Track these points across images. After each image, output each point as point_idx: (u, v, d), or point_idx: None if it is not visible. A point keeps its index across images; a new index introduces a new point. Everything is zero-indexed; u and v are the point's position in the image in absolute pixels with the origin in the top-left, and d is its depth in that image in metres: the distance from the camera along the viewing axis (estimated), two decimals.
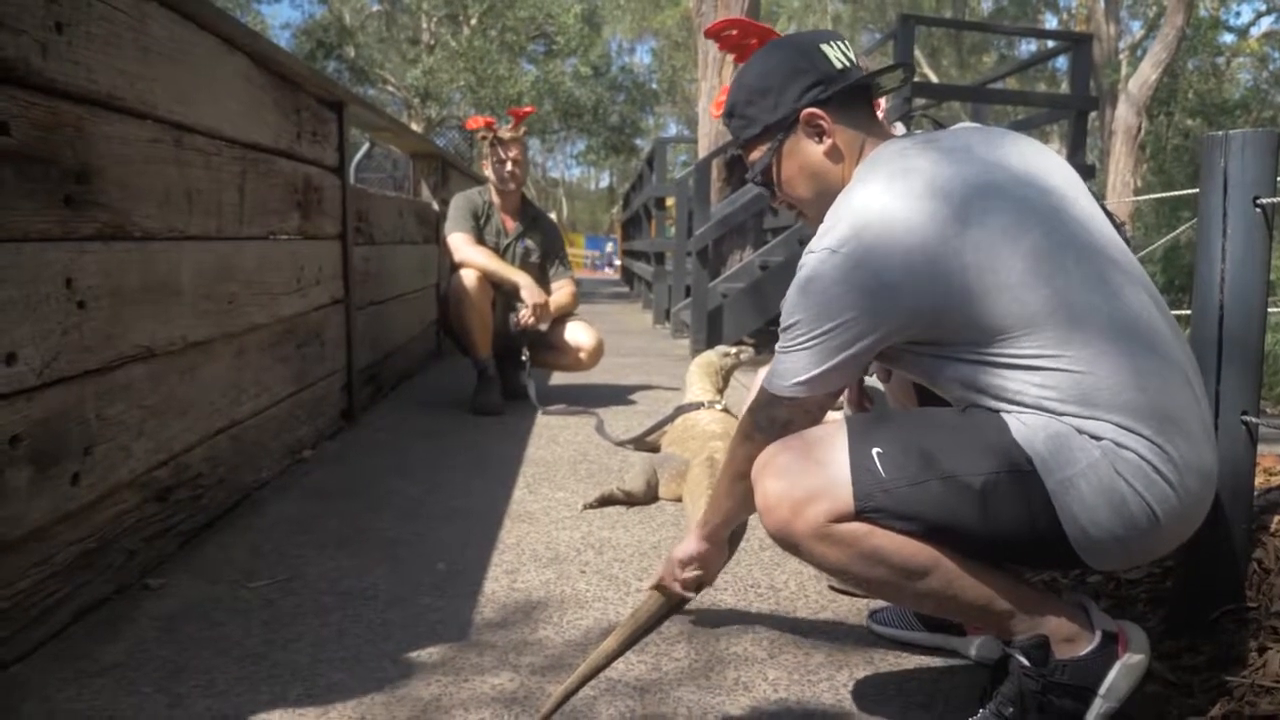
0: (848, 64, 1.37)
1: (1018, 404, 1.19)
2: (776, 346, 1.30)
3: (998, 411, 1.21)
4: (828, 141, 1.36)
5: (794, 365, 1.26)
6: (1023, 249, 1.17)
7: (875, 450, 1.22)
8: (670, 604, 1.54)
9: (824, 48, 1.37)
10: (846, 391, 1.69)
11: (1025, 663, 1.22)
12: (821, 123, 1.35)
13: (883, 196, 1.21)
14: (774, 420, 1.31)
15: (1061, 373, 1.16)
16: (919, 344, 1.24)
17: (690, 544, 1.52)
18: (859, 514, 1.21)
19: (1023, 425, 1.18)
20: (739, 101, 1.42)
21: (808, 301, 1.23)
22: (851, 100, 1.37)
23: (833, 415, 1.51)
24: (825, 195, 1.35)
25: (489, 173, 3.96)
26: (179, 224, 2.04)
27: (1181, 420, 1.17)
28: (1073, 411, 1.16)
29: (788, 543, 1.26)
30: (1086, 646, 1.21)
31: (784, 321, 1.28)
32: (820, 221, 1.30)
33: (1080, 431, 1.16)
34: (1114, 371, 1.15)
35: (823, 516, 1.22)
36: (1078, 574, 1.82)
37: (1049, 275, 1.17)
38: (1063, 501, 1.15)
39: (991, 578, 1.22)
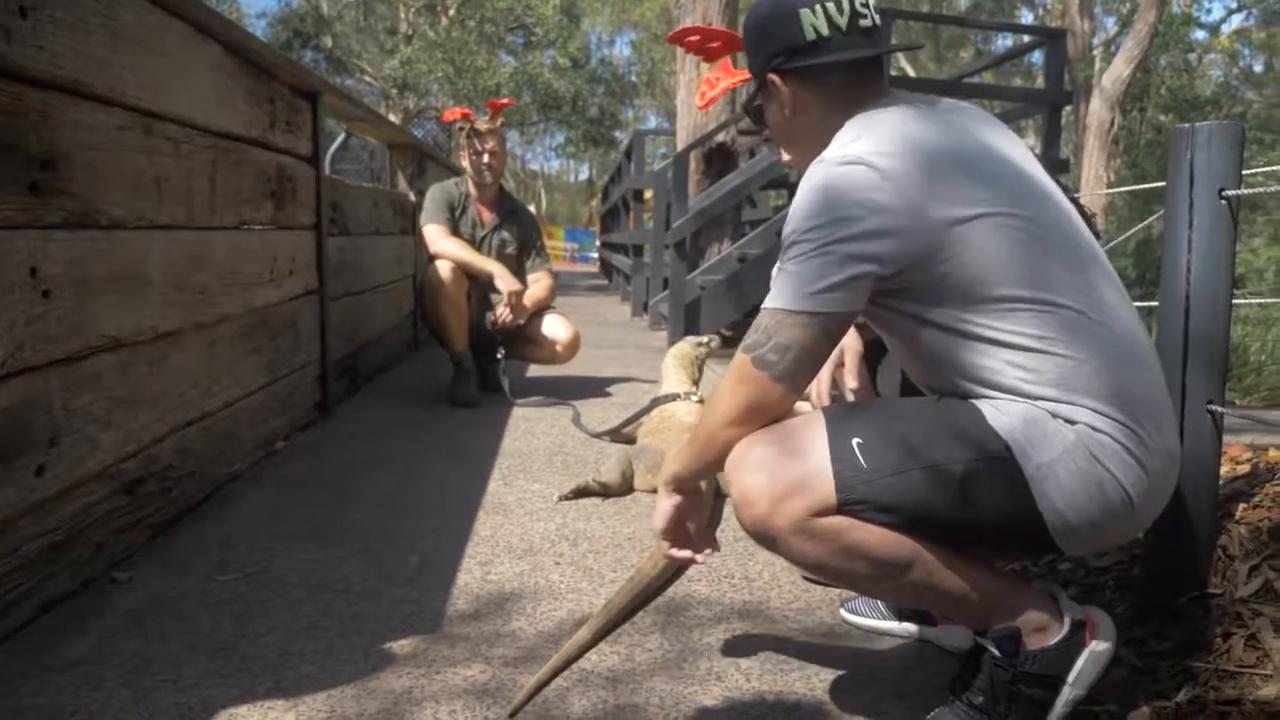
0: (829, 33, 1.32)
1: (994, 386, 1.20)
2: (779, 263, 1.24)
3: (973, 399, 1.22)
4: (788, 109, 1.37)
5: (805, 275, 1.19)
6: (1014, 226, 1.19)
7: (855, 440, 1.21)
8: (669, 571, 1.55)
9: (803, 13, 1.32)
10: (815, 386, 1.69)
11: (996, 653, 1.23)
12: (780, 90, 1.36)
13: (901, 126, 1.24)
14: (783, 347, 1.21)
15: (1040, 354, 1.17)
16: (906, 296, 1.22)
17: (662, 507, 1.42)
18: (841, 506, 1.20)
19: (998, 413, 1.19)
20: (743, 39, 1.45)
21: (819, 205, 1.19)
22: (825, 73, 1.34)
23: (803, 406, 1.51)
24: (799, 146, 1.40)
25: (466, 164, 3.94)
26: (148, 212, 2.02)
27: (1150, 404, 1.20)
28: (1049, 395, 1.17)
29: (765, 538, 1.24)
30: (1056, 636, 1.22)
31: (791, 232, 1.22)
32: (799, 164, 1.33)
33: (1055, 415, 1.17)
34: (1089, 357, 1.17)
35: (803, 510, 1.20)
36: (1048, 561, 1.83)
37: (1036, 257, 1.19)
38: (1041, 487, 1.16)
39: (968, 569, 1.23)
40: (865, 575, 1.23)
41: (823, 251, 1.18)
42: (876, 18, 1.34)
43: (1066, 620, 1.23)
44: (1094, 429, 1.16)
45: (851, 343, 1.73)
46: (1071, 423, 1.16)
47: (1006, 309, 1.18)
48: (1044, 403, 1.17)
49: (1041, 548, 1.24)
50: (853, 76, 1.34)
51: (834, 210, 1.18)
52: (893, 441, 1.21)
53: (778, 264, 1.25)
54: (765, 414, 1.26)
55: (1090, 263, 1.23)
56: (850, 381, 1.81)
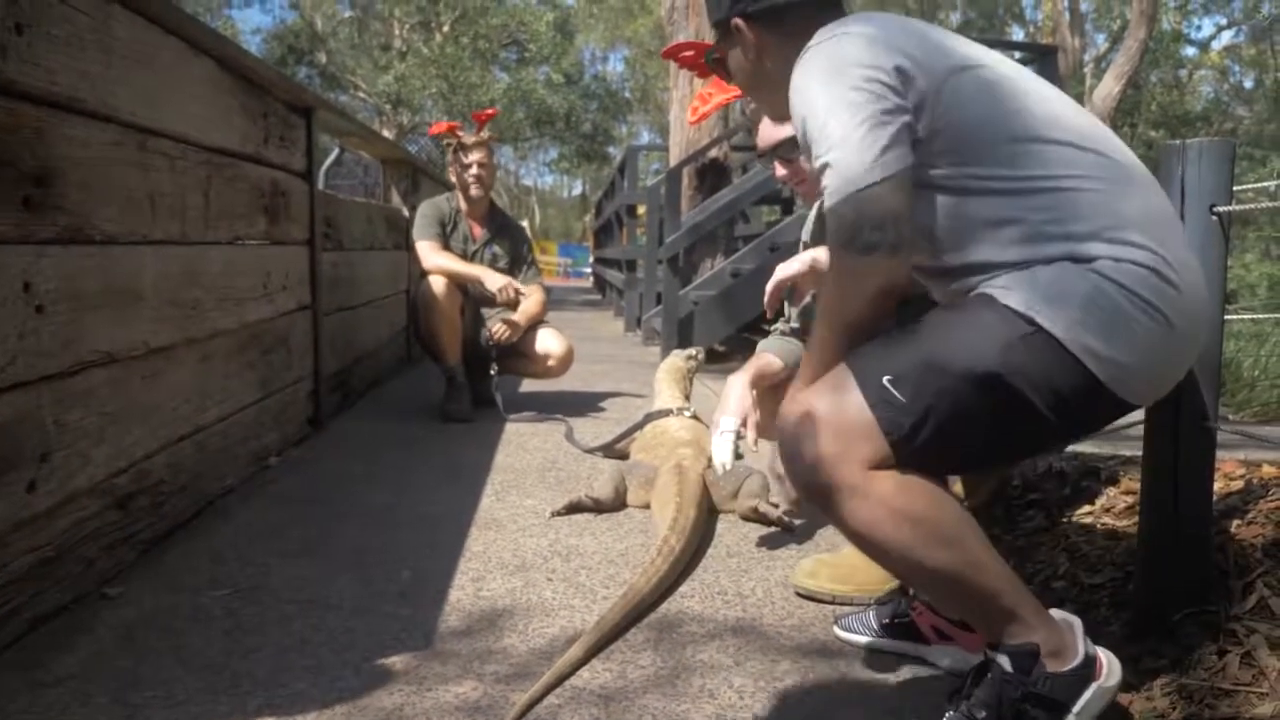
0: None
1: (1007, 244, 1.19)
2: (816, 159, 1.20)
3: (980, 288, 1.21)
4: (753, 53, 1.40)
5: (857, 149, 1.15)
6: (1000, 78, 1.25)
7: (885, 379, 1.18)
8: (661, 587, 1.63)
9: None
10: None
11: (1009, 669, 1.21)
12: (745, 35, 1.39)
13: (873, 16, 1.30)
14: (879, 222, 1.15)
15: (1048, 194, 1.18)
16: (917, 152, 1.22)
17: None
18: (895, 449, 1.16)
19: (1008, 290, 1.17)
20: None
21: (831, 81, 1.19)
22: (790, 13, 1.36)
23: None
24: (766, 91, 1.44)
25: (454, 179, 3.95)
26: (141, 228, 2.01)
27: (1164, 220, 1.21)
28: (1059, 234, 1.17)
29: (821, 496, 1.20)
30: (1070, 663, 1.21)
31: (814, 119, 1.19)
32: (768, 111, 1.44)
33: (1066, 261, 1.16)
34: (1097, 183, 1.18)
35: (859, 462, 1.17)
36: (1043, 579, 1.83)
37: (1026, 105, 1.23)
38: (1080, 343, 1.14)
39: (1004, 573, 1.21)
40: (908, 548, 1.18)
41: (857, 121, 1.16)
42: None
43: (1081, 650, 1.22)
44: (1115, 260, 1.15)
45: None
46: (1089, 260, 1.15)
47: (1000, 151, 1.20)
48: (1055, 244, 1.17)
49: (1111, 410, 1.21)
50: (815, 15, 1.35)
51: (840, 78, 1.19)
52: (919, 365, 1.17)
53: (815, 159, 1.21)
54: (892, 293, 1.21)
55: (1065, 105, 1.28)
56: (750, 435, 1.89)
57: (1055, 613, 1.27)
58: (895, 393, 1.17)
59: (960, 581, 1.20)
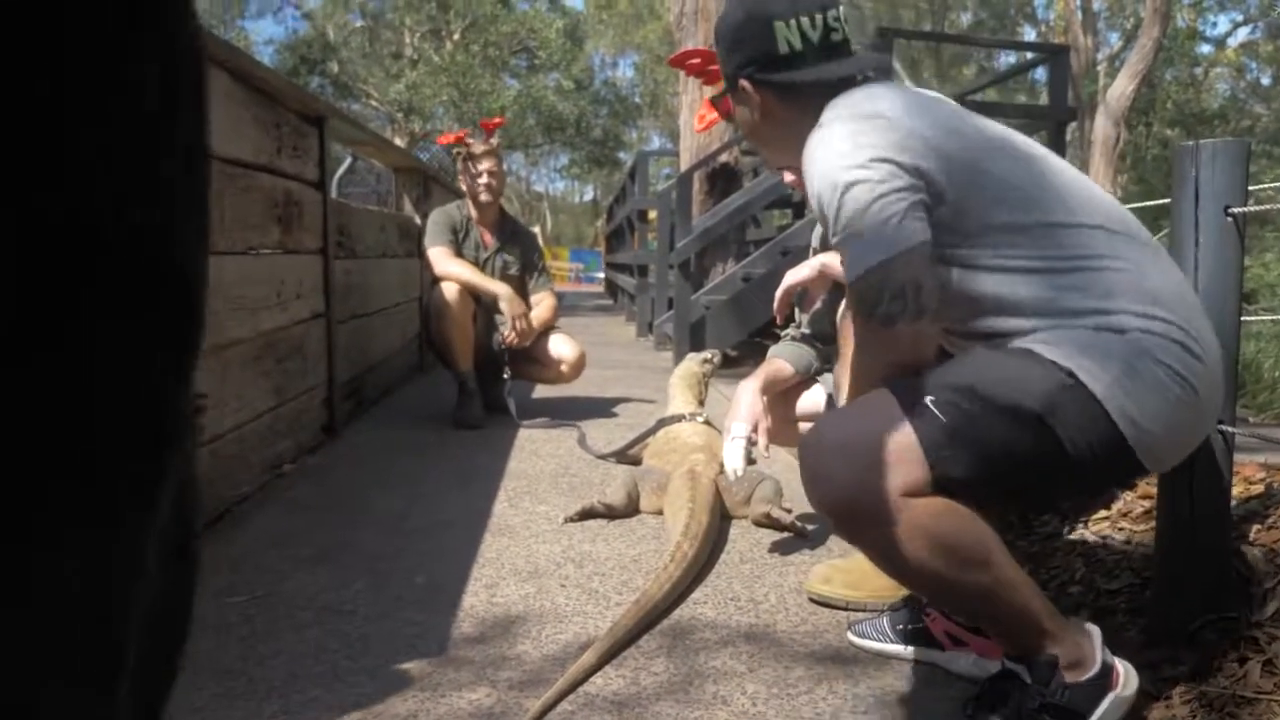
0: (802, 47, 1.34)
1: (1037, 316, 1.20)
2: (835, 239, 1.23)
3: (1017, 342, 1.22)
4: (759, 113, 1.41)
5: (873, 225, 1.17)
6: (1020, 159, 1.25)
7: (928, 399, 1.19)
8: (674, 593, 1.63)
9: (777, 25, 1.34)
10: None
11: (1028, 679, 1.21)
12: (750, 96, 1.40)
13: (885, 91, 1.30)
14: (899, 292, 1.18)
15: (1079, 272, 1.19)
16: (938, 234, 1.22)
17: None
18: (933, 470, 1.16)
19: (1049, 346, 1.19)
20: (714, 36, 1.47)
21: (846, 162, 1.20)
22: (797, 88, 1.36)
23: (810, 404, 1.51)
24: (768, 146, 1.47)
25: (465, 187, 3.97)
26: None
27: (1184, 296, 1.23)
28: (1092, 307, 1.18)
29: (851, 520, 1.20)
30: (1088, 673, 1.21)
31: (830, 199, 1.21)
32: (767, 159, 1.50)
33: (1101, 329, 1.17)
34: (1122, 265, 1.20)
35: (896, 488, 1.16)
36: (1058, 584, 1.82)
37: (1047, 185, 1.24)
38: (1115, 403, 1.15)
39: (1029, 589, 1.22)
40: (937, 571, 1.19)
41: (874, 196, 1.18)
42: (847, 30, 1.38)
43: (1099, 659, 1.22)
44: (1146, 331, 1.17)
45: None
46: (1122, 331, 1.17)
47: (1029, 235, 1.20)
48: (1087, 318, 1.18)
49: (1131, 472, 1.25)
50: (824, 90, 1.35)
51: (858, 157, 1.19)
52: (965, 390, 1.18)
53: (834, 234, 1.23)
54: (918, 360, 1.24)
55: (1091, 190, 1.29)
56: (762, 441, 1.88)
57: (1074, 621, 1.26)
58: (938, 413, 1.18)
59: (988, 601, 1.21)
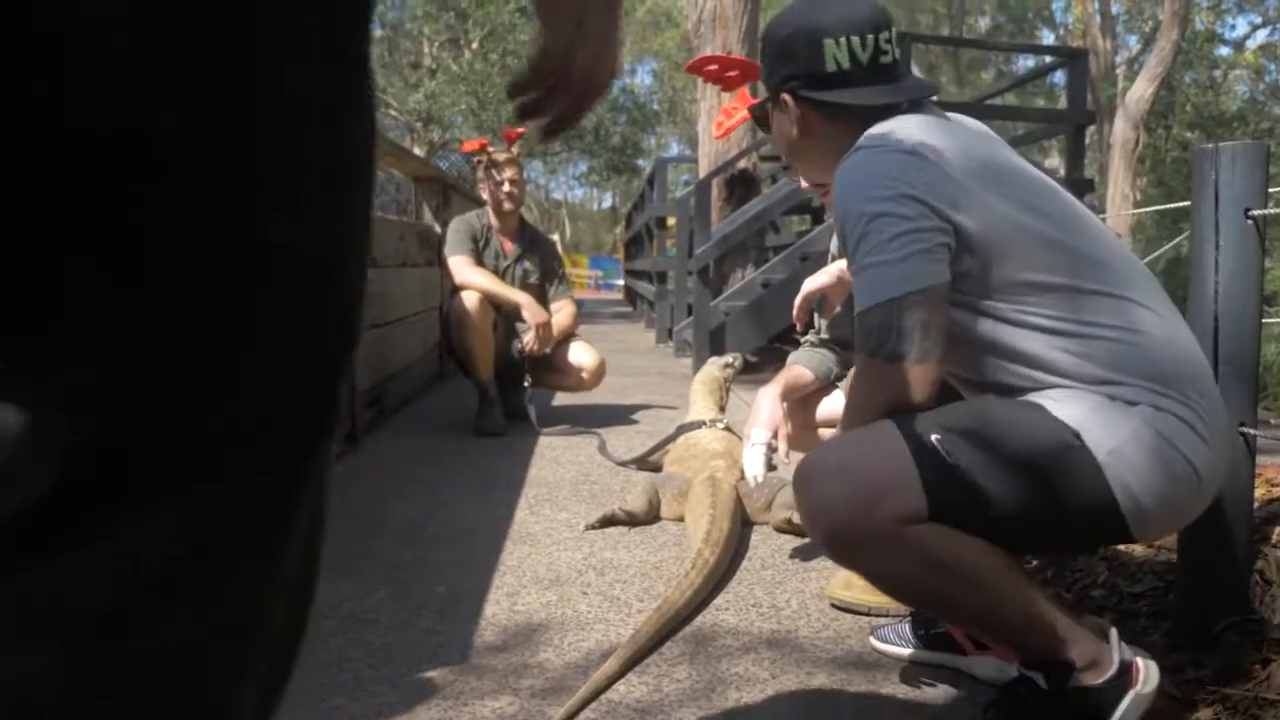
0: (850, 66, 1.32)
1: (1049, 371, 1.20)
2: (854, 264, 1.23)
3: (1029, 395, 1.22)
4: (798, 128, 1.39)
5: (892, 260, 1.17)
6: (1048, 217, 1.23)
7: (934, 437, 1.19)
8: (696, 600, 1.65)
9: (826, 43, 1.32)
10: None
11: (1045, 686, 1.21)
12: (790, 110, 1.38)
13: (930, 125, 1.28)
14: (907, 332, 1.18)
15: (1090, 339, 1.19)
16: (959, 283, 1.22)
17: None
18: (932, 504, 1.16)
19: (1059, 404, 1.18)
20: (761, 47, 1.46)
21: (875, 191, 1.19)
22: (841, 109, 1.35)
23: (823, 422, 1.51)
24: (804, 161, 1.45)
25: (486, 195, 3.99)
26: None
27: (1201, 379, 1.22)
28: (1103, 378, 1.18)
29: (846, 547, 1.20)
30: (1105, 674, 1.21)
31: (855, 226, 1.21)
32: (803, 175, 1.45)
33: (1114, 399, 1.17)
34: (1139, 339, 1.19)
35: (892, 516, 1.16)
36: (1081, 587, 1.81)
37: (1073, 247, 1.22)
38: (1115, 471, 1.15)
39: (1035, 596, 1.22)
40: (939, 591, 1.20)
41: (898, 233, 1.18)
42: (897, 53, 1.36)
43: (1116, 659, 1.21)
44: (1156, 408, 1.17)
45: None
46: (1132, 404, 1.16)
47: (1053, 295, 1.20)
48: (1100, 387, 1.18)
49: (1117, 536, 1.24)
50: (866, 115, 1.34)
51: (894, 190, 1.18)
52: (971, 433, 1.18)
53: (853, 262, 1.23)
54: (918, 402, 1.22)
55: (1120, 255, 1.28)
56: (781, 448, 1.88)
57: (1089, 620, 1.26)
58: (942, 451, 1.18)
59: (993, 616, 1.21)
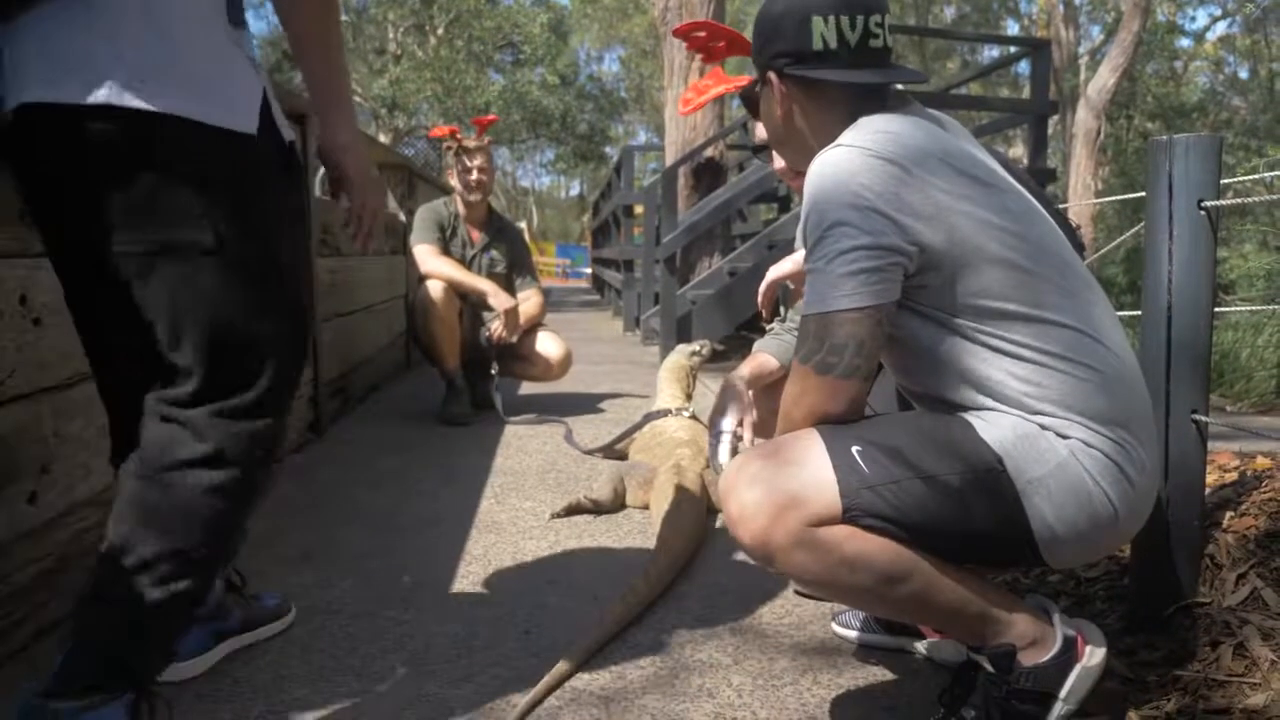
0: (837, 46, 1.30)
1: (994, 395, 1.20)
2: (809, 262, 1.23)
3: (964, 413, 1.23)
4: (782, 109, 1.37)
5: (840, 271, 1.18)
6: (1017, 244, 1.21)
7: (854, 448, 1.20)
8: (659, 587, 1.66)
9: (815, 20, 1.30)
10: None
11: (990, 669, 1.23)
12: (775, 90, 1.36)
13: (913, 130, 1.24)
14: (840, 346, 1.19)
15: (1043, 369, 1.19)
16: (921, 295, 1.22)
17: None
18: (845, 513, 1.18)
19: (989, 425, 1.19)
20: (754, 26, 1.41)
21: (841, 196, 1.18)
22: (826, 85, 1.33)
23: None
24: (787, 145, 1.42)
25: (454, 182, 3.96)
26: None
27: (1139, 421, 1.22)
28: (1047, 410, 1.19)
29: (764, 553, 1.22)
30: (1049, 652, 1.23)
31: (816, 226, 1.21)
32: (789, 163, 1.41)
33: (1045, 429, 1.18)
34: (1088, 376, 1.19)
35: (804, 520, 1.18)
36: (1039, 572, 1.84)
37: (1038, 276, 1.21)
38: (1032, 501, 1.17)
39: (964, 583, 1.23)
40: (865, 588, 1.22)
41: (853, 246, 1.17)
42: (889, 39, 1.35)
43: (1059, 636, 1.23)
44: (1087, 444, 1.17)
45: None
46: (1064, 437, 1.18)
47: (1012, 322, 1.19)
48: (1040, 417, 1.19)
49: (1027, 560, 1.25)
50: (851, 96, 1.33)
51: (860, 200, 1.17)
52: (890, 451, 1.20)
53: (808, 262, 1.23)
54: (838, 415, 1.24)
55: (1083, 282, 1.26)
56: (747, 435, 1.85)
57: (1032, 599, 1.28)
58: (861, 463, 1.19)
59: (924, 604, 1.22)
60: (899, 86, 1.44)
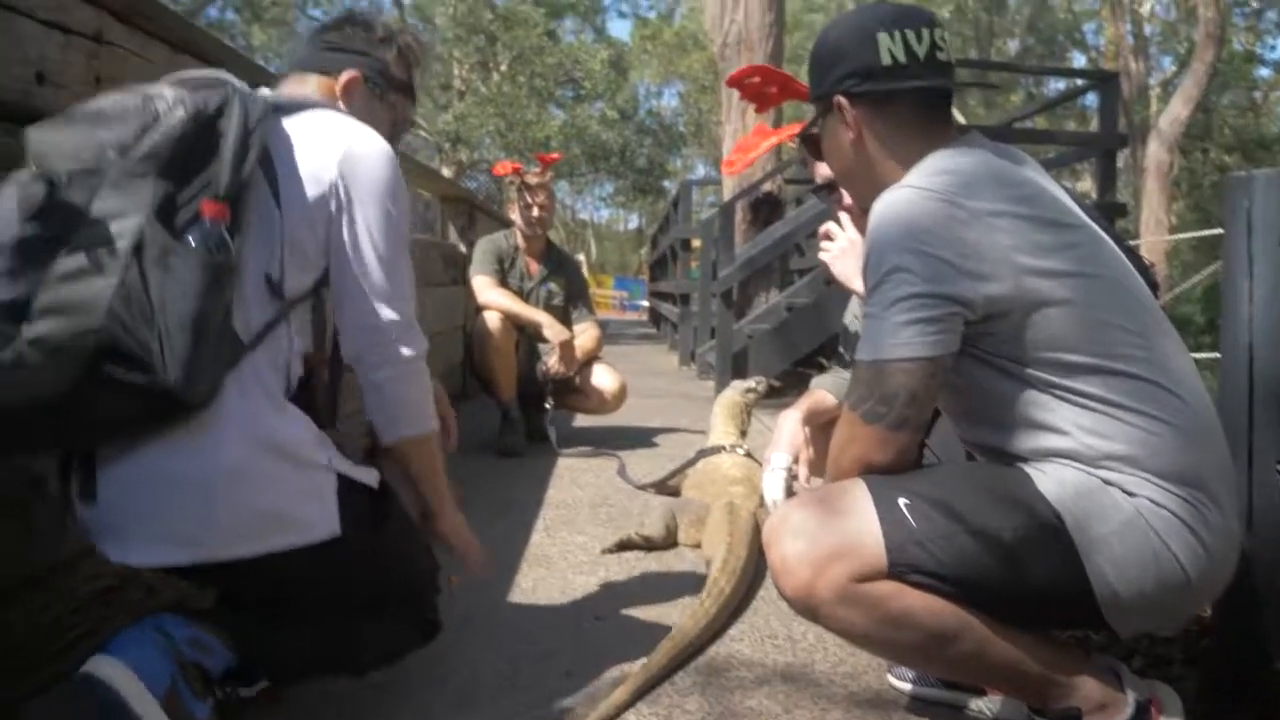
0: (906, 60, 1.27)
1: (1056, 449, 1.15)
2: (866, 305, 1.19)
3: (1021, 464, 1.17)
4: (852, 133, 1.32)
5: (898, 320, 1.14)
6: (1093, 288, 1.16)
7: (902, 501, 1.16)
8: (710, 629, 1.63)
9: (880, 36, 1.27)
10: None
11: None
12: (846, 113, 1.31)
13: (984, 170, 1.20)
14: (890, 397, 1.15)
15: (1110, 419, 1.14)
16: (986, 342, 1.18)
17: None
18: (891, 568, 1.14)
19: (1047, 479, 1.14)
20: (810, 63, 1.38)
21: (905, 239, 1.14)
22: (897, 100, 1.29)
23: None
24: (856, 179, 1.37)
25: (515, 216, 4.01)
26: None
27: (1215, 480, 1.16)
28: (1113, 464, 1.13)
29: (807, 607, 1.18)
30: (1119, 716, 1.16)
31: (876, 269, 1.17)
32: (856, 199, 1.36)
33: (1110, 484, 1.12)
34: (1160, 430, 1.13)
35: (848, 575, 1.14)
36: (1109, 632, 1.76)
37: (1113, 323, 1.16)
38: (1093, 560, 1.11)
39: (1022, 641, 1.17)
40: (913, 646, 1.17)
41: (911, 293, 1.14)
42: (952, 55, 1.31)
43: (1130, 701, 1.17)
44: (1155, 503, 1.11)
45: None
46: (1131, 495, 1.12)
47: (1080, 371, 1.14)
48: (1104, 471, 1.13)
49: (1089, 622, 1.18)
50: (922, 109, 1.29)
51: (922, 245, 1.14)
52: (940, 504, 1.16)
53: (864, 306, 1.20)
54: (885, 465, 1.20)
55: (1158, 327, 1.20)
56: (802, 473, 1.80)
57: (1100, 659, 1.22)
58: (909, 516, 1.15)
59: (978, 663, 1.17)
60: (960, 118, 1.41)
